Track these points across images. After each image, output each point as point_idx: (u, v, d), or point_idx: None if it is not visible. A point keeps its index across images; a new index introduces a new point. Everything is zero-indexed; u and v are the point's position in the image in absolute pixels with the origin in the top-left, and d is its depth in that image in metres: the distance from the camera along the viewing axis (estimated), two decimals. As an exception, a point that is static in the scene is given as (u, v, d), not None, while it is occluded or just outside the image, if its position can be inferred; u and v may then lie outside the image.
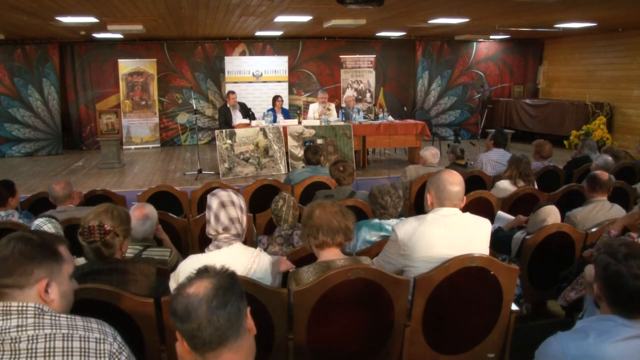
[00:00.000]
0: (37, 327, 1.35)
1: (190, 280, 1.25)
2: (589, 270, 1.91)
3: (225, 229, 2.19)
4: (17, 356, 1.31)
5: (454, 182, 2.36)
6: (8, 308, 1.35)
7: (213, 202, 2.22)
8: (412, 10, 7.64)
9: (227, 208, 2.20)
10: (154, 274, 2.23)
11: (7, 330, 1.33)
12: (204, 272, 1.28)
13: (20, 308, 1.35)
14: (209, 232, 2.23)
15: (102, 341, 1.41)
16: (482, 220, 2.42)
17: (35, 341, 1.33)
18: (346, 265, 2.14)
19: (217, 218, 2.19)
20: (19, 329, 1.33)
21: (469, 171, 5.04)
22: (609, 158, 4.91)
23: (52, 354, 1.34)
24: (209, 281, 1.24)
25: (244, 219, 2.27)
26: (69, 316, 1.41)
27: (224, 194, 2.25)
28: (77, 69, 11.49)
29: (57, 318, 1.39)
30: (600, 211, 3.55)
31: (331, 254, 2.19)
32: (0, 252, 1.40)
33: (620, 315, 1.51)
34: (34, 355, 1.33)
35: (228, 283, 1.25)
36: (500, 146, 5.69)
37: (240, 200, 2.27)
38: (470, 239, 2.32)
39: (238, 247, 2.22)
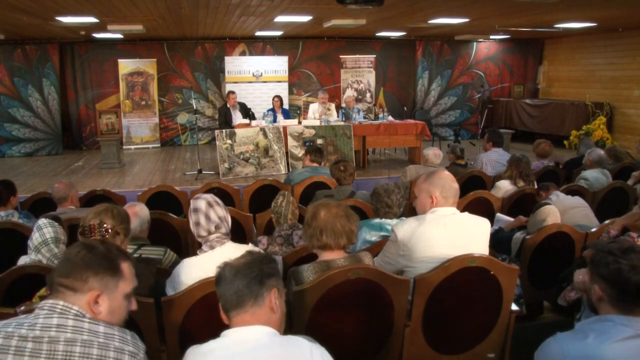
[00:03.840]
0: (75, 331, 1.36)
1: (237, 258, 1.56)
2: (581, 275, 1.90)
3: (217, 228, 2.25)
4: (52, 357, 1.32)
5: (453, 179, 2.44)
6: (54, 306, 1.38)
7: (200, 203, 2.28)
8: (412, 10, 7.65)
9: (214, 207, 2.28)
10: (153, 274, 2.24)
11: (48, 328, 1.34)
12: (250, 252, 1.60)
13: (64, 308, 1.38)
14: (200, 234, 2.27)
15: (134, 355, 1.42)
16: (481, 219, 2.42)
17: (72, 344, 1.34)
18: (346, 264, 2.14)
19: (207, 217, 2.24)
20: (59, 328, 1.35)
21: (469, 171, 5.04)
22: (602, 153, 5.08)
23: None
24: (245, 259, 1.54)
25: (229, 219, 2.34)
26: (107, 325, 1.42)
27: (207, 196, 2.34)
28: (77, 69, 11.49)
29: (95, 325, 1.40)
30: (566, 200, 3.70)
31: (332, 255, 2.20)
32: (67, 253, 1.49)
33: (622, 312, 1.50)
34: (70, 358, 1.33)
35: (258, 261, 1.53)
36: (499, 145, 5.69)
37: (220, 201, 2.36)
38: (470, 239, 2.32)
39: (230, 246, 2.26)
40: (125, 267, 1.50)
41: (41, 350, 1.31)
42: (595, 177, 4.75)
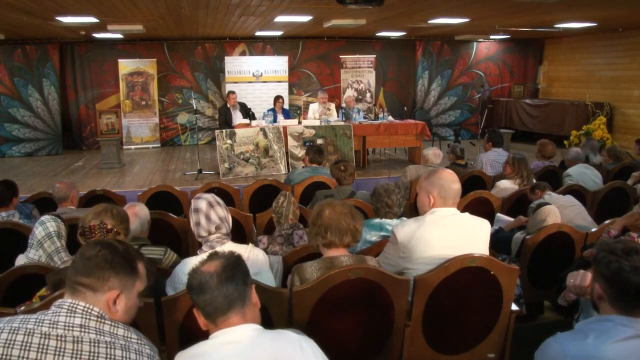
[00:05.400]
0: (98, 333, 1.37)
1: (203, 262, 1.53)
2: (572, 278, 1.89)
3: (217, 228, 2.25)
4: (78, 356, 1.33)
5: (454, 179, 2.39)
6: (75, 306, 1.38)
7: (201, 204, 2.28)
8: (412, 10, 7.65)
9: (215, 208, 2.28)
10: (153, 274, 2.23)
11: (71, 328, 1.35)
12: (214, 255, 1.56)
13: (85, 309, 1.39)
14: (200, 235, 2.27)
15: (152, 357, 1.44)
16: (481, 220, 2.41)
17: (97, 345, 1.35)
18: (350, 262, 2.16)
19: (208, 218, 2.25)
20: (82, 329, 1.36)
21: (469, 171, 5.05)
22: (579, 149, 5.30)
23: None
24: (218, 261, 1.51)
25: (230, 219, 2.34)
26: (125, 328, 1.44)
27: (208, 196, 2.33)
28: (77, 69, 11.49)
29: (115, 327, 1.41)
30: (559, 199, 3.72)
31: (337, 252, 2.21)
32: (86, 251, 1.47)
33: (622, 312, 1.50)
34: (95, 359, 1.34)
35: (234, 262, 1.52)
36: (498, 145, 5.70)
37: (222, 202, 2.35)
38: (470, 239, 2.31)
39: (230, 246, 2.26)
40: (141, 267, 1.53)
41: (65, 348, 1.32)
42: (578, 171, 4.84)
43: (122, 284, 1.45)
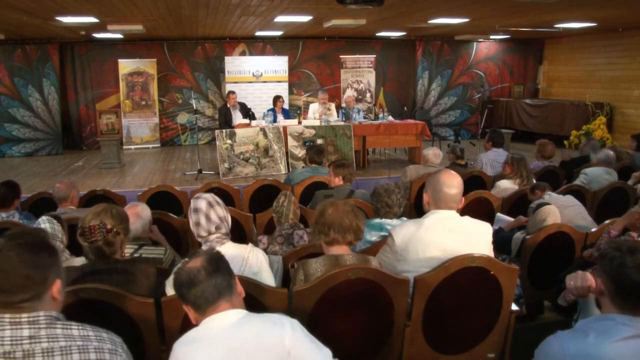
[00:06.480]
0: (50, 339, 1.28)
1: (186, 261, 1.61)
2: (572, 280, 1.89)
3: (217, 228, 2.26)
4: None
5: (452, 184, 2.33)
6: (18, 319, 1.27)
7: (201, 203, 2.28)
8: (412, 10, 7.65)
9: (215, 207, 2.29)
10: (153, 274, 2.23)
11: (20, 341, 1.25)
12: (195, 253, 1.65)
13: (30, 319, 1.28)
14: (200, 235, 2.27)
15: (114, 352, 1.37)
16: (482, 224, 2.39)
17: (51, 355, 1.27)
18: (353, 262, 2.17)
19: (208, 218, 2.25)
20: (32, 340, 1.26)
21: (469, 171, 5.05)
22: (610, 152, 5.09)
23: None
24: (201, 257, 1.59)
25: (229, 219, 2.35)
26: (79, 326, 1.36)
27: (208, 196, 2.34)
28: (77, 69, 11.49)
29: (69, 328, 1.33)
30: (559, 199, 3.72)
31: (340, 251, 2.22)
32: (6, 265, 1.28)
33: (622, 310, 1.50)
34: None
35: (216, 256, 1.62)
36: (499, 145, 5.70)
37: (221, 201, 2.37)
38: (469, 244, 2.28)
39: (230, 246, 2.27)
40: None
41: None
42: (595, 173, 4.81)
43: (57, 271, 1.36)
